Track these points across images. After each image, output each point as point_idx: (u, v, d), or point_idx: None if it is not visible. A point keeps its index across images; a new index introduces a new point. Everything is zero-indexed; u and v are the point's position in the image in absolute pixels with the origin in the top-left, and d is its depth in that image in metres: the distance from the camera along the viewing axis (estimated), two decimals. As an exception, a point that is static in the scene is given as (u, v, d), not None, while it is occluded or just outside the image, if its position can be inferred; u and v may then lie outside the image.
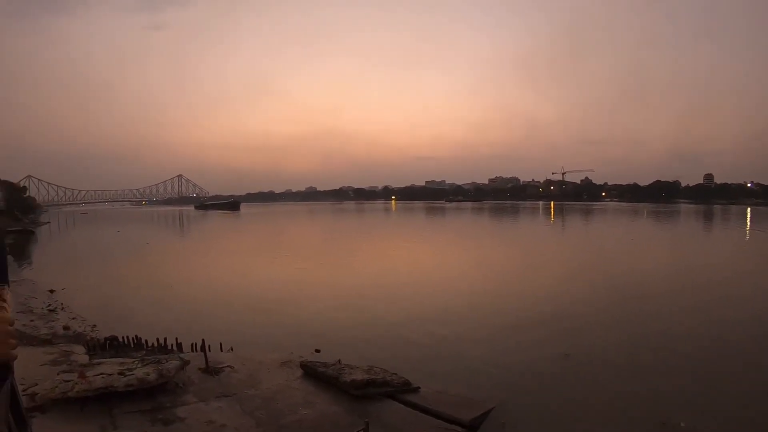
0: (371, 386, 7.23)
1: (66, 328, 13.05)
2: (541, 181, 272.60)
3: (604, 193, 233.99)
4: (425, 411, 6.98)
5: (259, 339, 12.27)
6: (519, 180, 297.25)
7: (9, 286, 1.41)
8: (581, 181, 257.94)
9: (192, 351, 10.26)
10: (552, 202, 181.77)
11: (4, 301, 1.34)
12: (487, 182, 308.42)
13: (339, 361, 8.32)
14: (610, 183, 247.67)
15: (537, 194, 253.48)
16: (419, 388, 7.65)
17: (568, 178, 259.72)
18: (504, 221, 75.09)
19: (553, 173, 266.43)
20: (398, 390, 7.42)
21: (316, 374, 7.68)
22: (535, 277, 21.90)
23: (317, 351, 10.81)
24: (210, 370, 7.82)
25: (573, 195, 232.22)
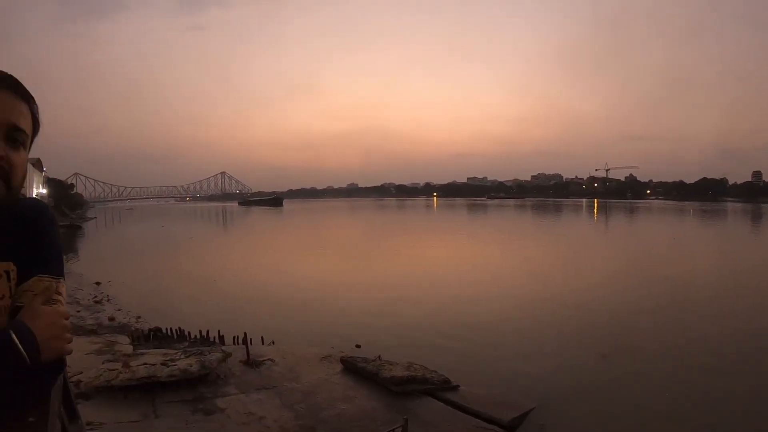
0: (411, 383, 7.16)
1: (111, 319, 13.35)
2: (585, 178, 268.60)
3: (648, 191, 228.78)
4: (464, 410, 6.89)
5: (300, 333, 12.29)
6: (562, 177, 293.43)
7: (64, 280, 1.41)
8: (625, 178, 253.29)
9: (234, 344, 10.35)
10: (596, 200, 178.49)
11: (60, 294, 1.34)
12: (529, 179, 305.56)
13: (379, 357, 8.28)
14: (655, 180, 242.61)
15: (580, 191, 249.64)
16: (458, 386, 7.56)
17: (612, 175, 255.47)
18: (546, 219, 73.86)
19: (596, 170, 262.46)
20: (437, 387, 7.34)
21: (356, 369, 7.66)
22: (575, 277, 21.50)
23: (358, 346, 10.78)
24: (251, 363, 7.87)
25: (617, 192, 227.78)
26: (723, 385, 9.15)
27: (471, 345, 11.69)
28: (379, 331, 12.62)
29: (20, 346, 1.16)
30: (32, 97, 1.31)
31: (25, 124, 1.29)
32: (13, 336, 1.17)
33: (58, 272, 1.39)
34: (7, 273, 1.31)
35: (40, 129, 1.37)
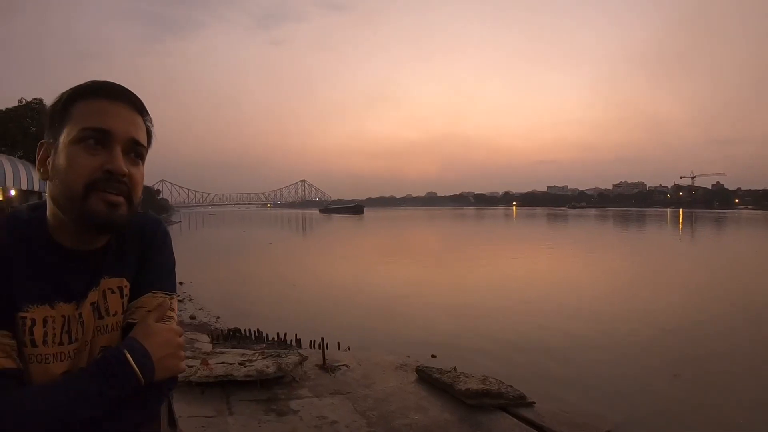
0: (486, 397, 6.95)
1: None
2: (669, 186, 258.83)
3: (737, 200, 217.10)
4: (539, 428, 6.61)
5: (376, 341, 12.26)
6: (645, 185, 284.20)
7: (177, 296, 1.42)
8: (712, 185, 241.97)
9: (310, 347, 10.48)
10: (680, 210, 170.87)
11: (173, 311, 1.36)
12: (611, 187, 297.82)
13: (454, 368, 8.12)
14: (743, 188, 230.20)
15: (664, 200, 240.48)
16: (534, 403, 7.28)
17: (698, 182, 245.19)
18: (628, 231, 70.86)
19: (681, 177, 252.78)
20: (512, 403, 7.09)
21: (430, 380, 7.52)
22: (656, 293, 20.34)
23: (433, 357, 10.63)
24: (326, 368, 7.88)
25: (703, 202, 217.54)
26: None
27: (547, 361, 11.29)
28: (455, 342, 12.40)
29: (134, 366, 1.16)
30: (147, 111, 1.30)
31: (143, 139, 1.28)
32: (128, 355, 1.16)
33: (171, 288, 1.41)
34: (121, 289, 1.32)
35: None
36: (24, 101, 42.36)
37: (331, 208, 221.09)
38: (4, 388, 1.08)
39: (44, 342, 1.18)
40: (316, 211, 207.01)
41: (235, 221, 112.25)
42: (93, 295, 1.26)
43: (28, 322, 1.16)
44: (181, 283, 20.07)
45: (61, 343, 1.20)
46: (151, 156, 1.33)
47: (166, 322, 1.29)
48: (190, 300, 16.82)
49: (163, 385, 1.25)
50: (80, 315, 1.24)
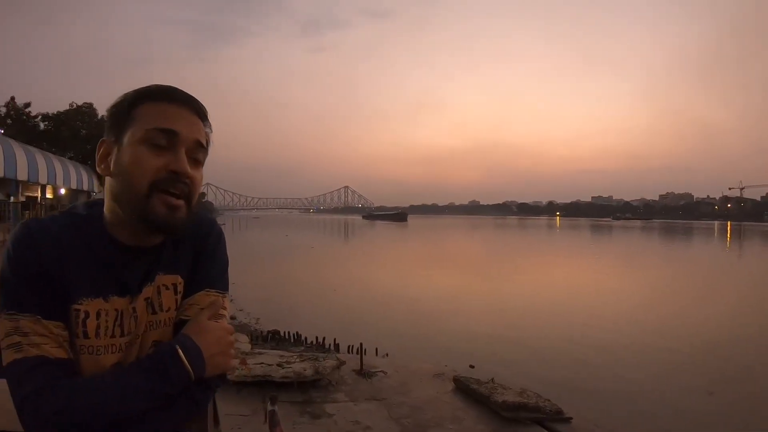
0: (522, 409, 6.84)
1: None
2: (716, 198, 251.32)
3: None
4: (575, 444, 6.50)
5: (415, 348, 12.24)
6: (692, 196, 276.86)
7: (229, 295, 1.44)
8: (761, 197, 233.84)
9: (348, 352, 10.51)
10: (728, 223, 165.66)
11: (225, 309, 1.37)
12: (657, 198, 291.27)
13: (492, 379, 8.02)
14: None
15: (711, 212, 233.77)
16: (571, 418, 7.12)
17: (747, 193, 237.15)
18: (673, 244, 69.02)
19: (730, 188, 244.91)
20: (549, 417, 6.95)
21: (467, 390, 7.44)
22: (699, 311, 19.67)
23: (471, 367, 10.54)
24: (363, 373, 7.88)
25: (752, 215, 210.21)
26: None
27: (586, 376, 11.05)
28: (493, 353, 12.28)
29: (186, 362, 1.18)
30: (208, 118, 1.32)
31: (206, 142, 1.30)
32: (180, 351, 1.18)
33: (224, 287, 1.42)
34: (175, 286, 1.34)
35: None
36: (75, 105, 43.85)
37: (375, 214, 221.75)
38: (56, 377, 1.11)
39: (96, 334, 1.21)
40: (358, 217, 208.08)
41: (278, 225, 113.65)
42: (147, 291, 1.28)
43: (82, 315, 1.19)
44: (224, 284, 20.41)
45: (113, 336, 1.23)
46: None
47: (218, 321, 1.30)
48: (231, 301, 16.98)
49: (212, 382, 1.26)
50: (134, 309, 1.26)
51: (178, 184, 1.20)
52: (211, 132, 1.34)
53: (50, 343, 1.14)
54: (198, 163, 1.27)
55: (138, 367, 1.17)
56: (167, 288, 1.32)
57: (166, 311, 1.32)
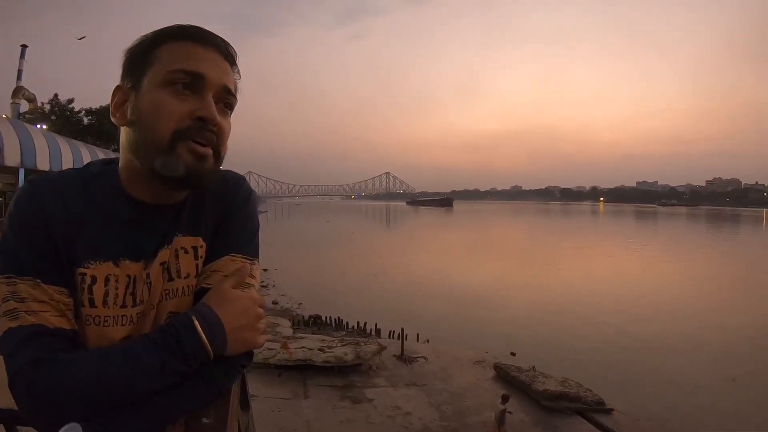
0: (563, 399, 6.76)
1: (275, 302, 14.28)
2: (765, 184, 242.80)
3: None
4: (615, 436, 6.40)
5: (456, 334, 12.23)
6: (740, 182, 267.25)
7: (259, 263, 1.25)
8: None
9: (389, 338, 10.58)
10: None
11: (254, 278, 1.19)
12: (703, 184, 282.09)
13: (533, 368, 7.96)
14: None
15: (760, 199, 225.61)
16: (612, 410, 7.00)
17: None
18: (720, 232, 66.78)
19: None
20: (590, 408, 6.87)
21: (508, 378, 7.41)
22: (746, 302, 19.05)
23: (513, 354, 10.50)
24: (404, 358, 7.92)
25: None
26: None
27: (629, 366, 10.86)
28: (535, 341, 12.18)
29: (203, 336, 1.02)
30: (236, 62, 1.16)
31: (234, 88, 1.14)
32: (196, 323, 1.02)
33: (253, 253, 1.23)
34: (195, 249, 1.17)
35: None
36: (117, 98, 44.72)
37: (419, 200, 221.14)
38: (57, 350, 0.98)
39: (104, 303, 1.07)
40: (401, 203, 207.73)
41: (320, 212, 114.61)
42: (164, 255, 1.13)
43: (88, 280, 1.06)
44: (265, 270, 20.69)
45: (123, 306, 1.08)
46: (238, 148, 1.17)
47: (245, 290, 1.13)
48: (273, 286, 17.33)
49: (237, 361, 1.10)
50: (148, 276, 1.11)
51: (206, 132, 1.06)
52: (240, 79, 1.18)
53: (50, 310, 1.01)
54: (226, 110, 1.13)
55: (148, 340, 1.01)
56: (186, 252, 1.16)
57: (185, 278, 1.15)
